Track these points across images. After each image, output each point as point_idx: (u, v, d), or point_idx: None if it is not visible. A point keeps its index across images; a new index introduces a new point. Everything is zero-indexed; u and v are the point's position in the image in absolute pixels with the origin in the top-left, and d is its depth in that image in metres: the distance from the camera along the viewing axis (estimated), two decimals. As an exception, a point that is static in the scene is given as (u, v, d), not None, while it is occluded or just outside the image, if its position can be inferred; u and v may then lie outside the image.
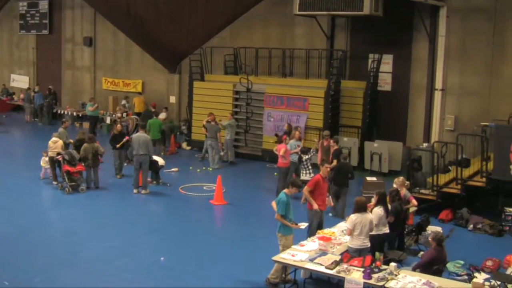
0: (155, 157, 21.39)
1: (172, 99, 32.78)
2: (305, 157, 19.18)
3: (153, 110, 29.55)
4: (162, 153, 25.55)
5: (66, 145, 21.86)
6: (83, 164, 20.55)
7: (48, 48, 39.58)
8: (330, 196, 15.85)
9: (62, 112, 36.14)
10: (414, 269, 12.15)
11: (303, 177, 19.04)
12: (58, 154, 20.57)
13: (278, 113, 25.46)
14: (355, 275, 11.25)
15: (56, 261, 14.15)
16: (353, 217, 12.48)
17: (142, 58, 33.78)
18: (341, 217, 16.93)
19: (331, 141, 20.36)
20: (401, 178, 15.32)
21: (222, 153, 25.22)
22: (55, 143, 20.93)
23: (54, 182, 21.03)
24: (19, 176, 22.43)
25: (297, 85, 25.78)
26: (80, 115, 34.11)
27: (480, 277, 13.00)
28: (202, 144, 25.75)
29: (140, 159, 20.23)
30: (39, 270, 13.56)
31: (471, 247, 15.87)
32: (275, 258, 12.24)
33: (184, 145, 29.03)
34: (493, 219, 17.42)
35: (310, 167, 19.41)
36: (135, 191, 20.35)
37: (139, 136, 20.67)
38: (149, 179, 21.06)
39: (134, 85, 34.49)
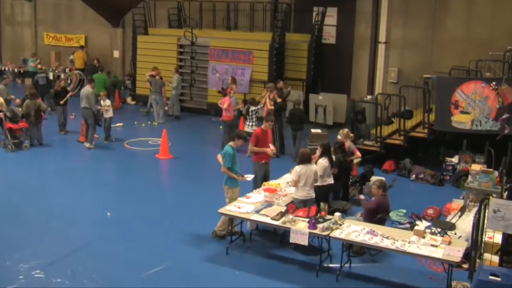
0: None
1: (116, 54, 32.33)
2: (252, 108, 19.16)
3: (97, 64, 29.12)
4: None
5: (7, 102, 21.46)
6: (25, 121, 20.22)
7: (-15, 3, 38.54)
8: (271, 145, 15.87)
9: (2, 68, 35.39)
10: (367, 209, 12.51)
11: (246, 129, 19.02)
12: (0, 111, 20.18)
13: (223, 67, 25.37)
14: (301, 225, 11.41)
15: (-1, 219, 14.02)
16: (297, 168, 12.58)
17: (84, 12, 33.09)
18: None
19: (275, 94, 20.42)
20: (346, 130, 15.48)
21: (166, 108, 25.07)
22: None
23: None
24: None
25: (242, 38, 25.69)
26: (22, 71, 33.42)
27: (421, 225, 13.34)
28: (147, 99, 25.54)
29: (82, 112, 20.24)
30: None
31: (413, 197, 16.20)
32: (221, 210, 12.31)
33: (128, 100, 28.80)
34: (434, 169, 17.85)
35: (254, 119, 19.42)
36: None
37: (83, 89, 20.71)
38: (96, 136, 20.83)
39: (77, 40, 33.88)
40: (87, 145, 20.18)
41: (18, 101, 21.62)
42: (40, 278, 11.19)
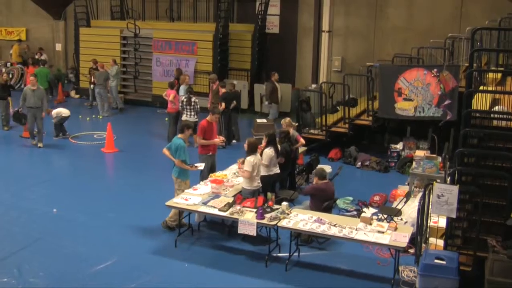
0: (61, 109, 20.78)
1: (58, 47, 31.90)
2: (193, 98, 19.06)
3: (41, 58, 28.67)
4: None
5: None
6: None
7: None
8: (219, 136, 15.90)
9: None
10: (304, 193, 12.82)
11: (187, 118, 18.80)
12: None
13: (167, 58, 25.25)
14: (248, 216, 11.43)
15: None
16: (250, 159, 12.58)
17: (23, 4, 32.53)
18: (237, 140, 19.25)
19: (219, 85, 20.46)
20: (288, 119, 15.51)
21: (111, 101, 24.80)
22: None
23: None
24: None
25: (185, 29, 25.62)
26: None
27: (368, 212, 13.52)
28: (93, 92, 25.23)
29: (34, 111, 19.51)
30: None
31: (359, 184, 16.43)
32: (169, 203, 12.25)
33: (72, 93, 28.42)
34: (380, 156, 18.10)
35: (197, 109, 19.20)
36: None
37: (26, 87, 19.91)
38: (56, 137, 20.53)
39: (18, 33, 33.28)
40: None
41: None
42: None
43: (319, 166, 15.95)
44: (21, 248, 12.16)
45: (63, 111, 20.60)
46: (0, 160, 18.44)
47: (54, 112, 20.31)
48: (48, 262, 11.52)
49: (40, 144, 19.42)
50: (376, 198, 14.68)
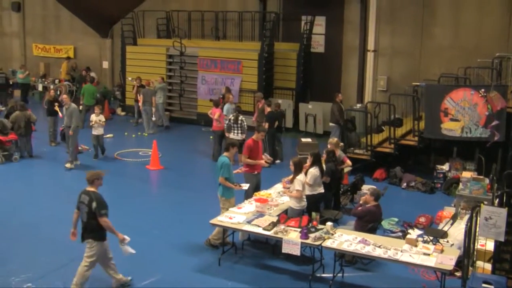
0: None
1: (105, 64, 32.35)
2: (241, 116, 19.14)
3: (90, 75, 29.12)
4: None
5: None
6: (15, 132, 20.14)
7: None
8: (265, 154, 15.94)
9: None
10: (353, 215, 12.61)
11: (233, 136, 18.87)
12: (-12, 123, 20.13)
13: (212, 76, 25.39)
14: (292, 235, 11.38)
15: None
16: (300, 178, 12.60)
17: (72, 22, 33.06)
18: (281, 160, 19.36)
19: (264, 103, 20.52)
20: (335, 139, 15.53)
21: (154, 118, 24.94)
22: None
23: None
24: None
25: (231, 48, 25.75)
26: (11, 82, 33.23)
27: (413, 233, 13.36)
28: (138, 110, 25.51)
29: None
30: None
31: (404, 205, 16.23)
32: (213, 221, 12.27)
33: (118, 110, 28.75)
34: (425, 176, 17.90)
35: (244, 127, 19.27)
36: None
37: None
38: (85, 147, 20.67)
39: (66, 51, 33.81)
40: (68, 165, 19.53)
41: (2, 108, 21.52)
42: (31, 291, 11.14)
43: (364, 186, 15.92)
44: (66, 262, 12.28)
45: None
46: (47, 176, 18.71)
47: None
48: (94, 276, 11.59)
49: (67, 165, 19.22)
50: (422, 219, 14.51)
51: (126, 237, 10.96)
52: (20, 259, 12.46)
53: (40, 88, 32.48)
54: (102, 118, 20.28)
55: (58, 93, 26.87)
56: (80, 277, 10.78)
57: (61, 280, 11.47)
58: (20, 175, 18.75)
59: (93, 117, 20.20)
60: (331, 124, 21.61)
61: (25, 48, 36.11)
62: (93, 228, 10.61)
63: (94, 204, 10.62)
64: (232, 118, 19.07)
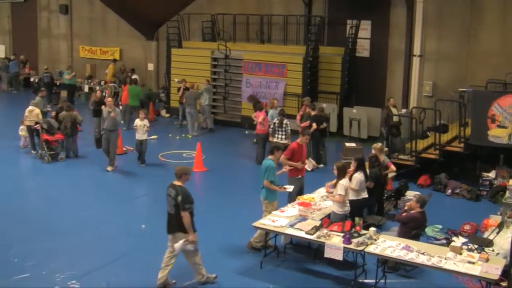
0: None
1: (150, 67, 32.57)
2: (285, 120, 19.14)
3: (134, 77, 29.40)
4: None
5: (43, 114, 21.76)
6: (61, 132, 20.44)
7: (23, 16, 39.01)
8: (310, 158, 15.94)
9: (37, 81, 35.78)
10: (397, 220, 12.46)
11: (277, 140, 18.86)
12: (36, 123, 20.47)
13: (257, 80, 25.41)
14: (335, 240, 11.33)
15: (33, 230, 14.16)
16: (343, 182, 12.56)
17: (118, 25, 33.40)
18: (324, 164, 19.17)
19: (308, 107, 20.50)
20: (380, 144, 15.41)
21: (201, 120, 25.12)
22: (31, 112, 20.78)
23: (33, 151, 20.93)
24: (-4, 146, 22.28)
25: (275, 52, 25.75)
26: (58, 83, 33.72)
27: (458, 241, 13.15)
28: (183, 112, 25.71)
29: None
30: (16, 240, 13.55)
31: (449, 212, 16.02)
32: (256, 224, 12.29)
33: (163, 112, 28.96)
34: (471, 184, 17.63)
35: (289, 131, 19.25)
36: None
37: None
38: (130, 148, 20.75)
39: (112, 53, 34.17)
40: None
41: (54, 113, 21.84)
42: (75, 288, 11.33)
43: (408, 192, 15.78)
44: (110, 261, 12.46)
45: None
46: (92, 176, 18.90)
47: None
48: (136, 276, 11.74)
49: (109, 168, 19.33)
50: (467, 227, 14.31)
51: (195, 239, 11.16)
52: (64, 257, 12.65)
53: (86, 89, 32.93)
54: (146, 123, 20.05)
55: (104, 94, 27.15)
56: (194, 265, 11.40)
57: (104, 279, 11.63)
58: (65, 175, 19.01)
59: (137, 121, 20.07)
60: (382, 128, 21.51)
61: (72, 50, 36.57)
62: (180, 221, 10.92)
63: (179, 198, 10.95)
64: (277, 122, 19.08)
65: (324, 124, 19.96)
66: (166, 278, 11.34)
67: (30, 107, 21.00)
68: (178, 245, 10.98)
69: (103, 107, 20.38)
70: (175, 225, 11.03)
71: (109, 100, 19.64)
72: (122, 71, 31.88)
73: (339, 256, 11.16)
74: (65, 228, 14.34)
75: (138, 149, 20.12)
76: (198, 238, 11.10)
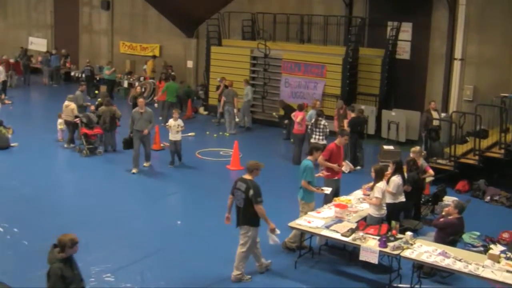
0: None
1: (189, 64, 32.70)
2: (323, 121, 19.08)
3: (171, 72, 29.56)
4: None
5: (83, 108, 22.02)
6: (100, 127, 20.65)
7: (65, 11, 39.48)
8: (347, 161, 15.88)
9: (79, 75, 36.22)
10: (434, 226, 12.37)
11: (314, 141, 18.78)
12: (76, 117, 20.73)
13: (295, 80, 25.36)
14: (371, 243, 11.27)
15: (71, 222, 14.30)
16: (381, 185, 12.47)
17: (159, 22, 33.60)
18: (362, 166, 19.10)
19: (347, 109, 20.44)
20: (418, 147, 15.29)
21: (238, 119, 25.18)
22: (67, 107, 21.04)
23: (66, 145, 21.24)
24: (37, 139, 22.58)
25: (315, 52, 25.68)
26: (98, 78, 34.02)
27: (496, 249, 12.92)
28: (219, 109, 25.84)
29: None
30: (55, 231, 13.68)
31: (487, 219, 15.79)
32: (291, 224, 12.29)
33: (201, 110, 29.07)
34: (510, 191, 17.35)
35: (326, 132, 19.17)
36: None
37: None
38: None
39: (152, 49, 34.35)
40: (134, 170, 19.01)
41: (92, 107, 22.06)
42: (110, 281, 11.49)
43: (446, 197, 15.62)
44: (144, 256, 12.58)
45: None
46: (129, 171, 18.94)
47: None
48: (170, 272, 11.81)
49: (146, 164, 19.30)
50: (505, 235, 14.10)
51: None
52: (99, 250, 12.81)
53: (125, 84, 33.18)
54: (180, 123, 19.55)
55: (143, 90, 27.37)
56: (240, 260, 11.64)
57: (138, 273, 11.74)
58: (102, 169, 19.19)
59: (171, 121, 19.60)
60: (421, 132, 21.33)
61: (112, 46, 36.90)
62: (249, 215, 11.26)
63: (251, 192, 11.25)
64: (313, 122, 19.04)
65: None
66: (262, 263, 11.89)
67: (66, 102, 21.28)
68: (272, 237, 11.51)
69: (137, 108, 20.06)
70: (243, 218, 11.43)
71: (140, 100, 19.18)
72: (165, 67, 31.96)
73: (374, 260, 11.10)
74: (100, 222, 14.55)
75: (172, 149, 19.60)
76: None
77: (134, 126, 18.76)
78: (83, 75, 33.50)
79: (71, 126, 21.15)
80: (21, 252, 12.66)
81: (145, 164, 19.32)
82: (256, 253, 11.86)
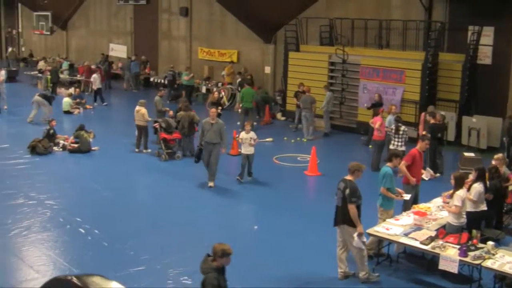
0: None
1: (267, 70, 32.85)
2: (403, 127, 18.89)
3: (248, 77, 29.78)
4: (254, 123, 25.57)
5: (162, 113, 22.42)
6: (179, 132, 20.97)
7: (145, 18, 40.27)
8: (428, 168, 15.68)
9: (158, 81, 36.87)
10: None
11: (393, 147, 18.63)
12: (155, 121, 21.12)
13: (374, 85, 25.17)
14: (450, 252, 11.08)
15: (148, 224, 14.71)
16: (460, 193, 12.26)
17: (237, 28, 33.91)
18: (441, 173, 18.70)
19: (427, 115, 20.17)
20: (501, 155, 14.98)
21: (315, 125, 25.21)
22: (138, 112, 21.47)
23: (136, 150, 21.75)
24: (117, 143, 23.13)
25: (394, 57, 25.42)
26: (177, 83, 34.49)
27: None
28: (299, 115, 25.87)
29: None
30: (132, 233, 14.07)
31: None
32: (369, 231, 12.19)
33: (278, 115, 29.17)
34: None
35: (406, 139, 18.98)
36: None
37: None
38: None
39: (229, 55, 34.66)
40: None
41: (171, 112, 22.41)
42: (187, 284, 11.62)
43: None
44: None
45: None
46: (205, 177, 19.11)
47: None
48: (246, 277, 11.79)
49: (210, 183, 17.89)
50: None
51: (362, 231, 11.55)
52: (176, 253, 13.06)
53: (203, 90, 33.57)
54: (253, 135, 18.48)
55: (221, 96, 27.64)
56: (360, 261, 11.71)
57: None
58: (182, 173, 19.41)
59: (242, 134, 18.50)
60: (504, 139, 20.90)
61: (190, 52, 37.43)
62: (345, 214, 11.43)
63: (347, 191, 11.52)
64: (394, 128, 18.86)
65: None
66: (345, 270, 11.85)
67: (137, 107, 21.71)
68: (356, 241, 11.43)
69: (207, 119, 18.30)
70: (341, 218, 11.59)
71: (212, 111, 18.02)
72: (243, 73, 32.18)
73: (454, 269, 10.91)
74: (177, 225, 14.82)
75: (243, 162, 18.53)
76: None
77: (204, 137, 17.69)
78: (166, 80, 34.18)
79: (142, 130, 21.55)
80: (101, 253, 12.97)
81: (209, 184, 17.91)
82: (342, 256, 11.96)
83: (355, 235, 11.43)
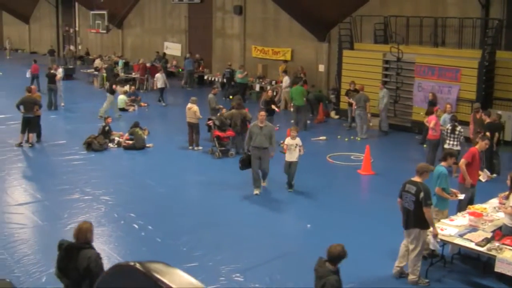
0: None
1: (321, 68, 32.77)
2: (459, 127, 18.65)
3: (299, 76, 29.74)
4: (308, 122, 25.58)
5: (215, 111, 22.55)
6: (232, 129, 21.09)
7: (199, 17, 40.54)
8: (485, 169, 15.46)
9: (212, 79, 37.10)
10: None
11: (448, 146, 18.39)
12: (209, 119, 21.29)
13: (429, 84, 24.87)
14: (507, 254, 10.87)
15: (200, 221, 14.84)
16: (518, 194, 12.09)
17: (290, 26, 33.89)
18: (498, 174, 18.39)
19: (483, 114, 19.84)
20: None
21: (371, 124, 25.04)
22: (190, 109, 21.59)
23: (189, 147, 21.90)
24: (171, 140, 23.42)
25: (449, 55, 25.02)
26: (232, 83, 34.63)
27: None
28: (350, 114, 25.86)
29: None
30: (185, 230, 14.20)
31: None
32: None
33: (332, 114, 29.08)
34: None
35: (461, 139, 18.75)
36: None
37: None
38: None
39: (283, 53, 34.67)
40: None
41: (224, 110, 22.53)
42: (239, 281, 11.66)
43: None
44: (273, 258, 12.71)
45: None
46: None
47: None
48: (299, 276, 11.75)
49: (256, 191, 17.10)
50: None
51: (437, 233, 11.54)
52: (228, 250, 13.12)
53: (257, 88, 33.64)
54: (299, 142, 17.05)
55: (275, 94, 27.67)
56: (413, 264, 11.63)
57: (267, 275, 11.84)
58: (233, 171, 19.36)
59: (288, 140, 17.11)
60: None
61: (244, 50, 37.56)
62: (420, 217, 11.32)
63: (421, 194, 11.24)
64: (450, 127, 18.63)
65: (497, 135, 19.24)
66: (401, 268, 11.87)
67: (189, 104, 21.87)
68: (432, 243, 11.49)
69: (256, 122, 17.52)
70: (413, 221, 11.44)
71: (261, 114, 17.11)
72: (298, 72, 32.11)
73: (510, 272, 10.71)
74: (229, 222, 14.90)
75: (286, 171, 17.38)
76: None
77: (252, 142, 16.87)
78: (224, 77, 34.43)
79: (193, 128, 21.71)
80: (154, 249, 13.07)
81: (255, 192, 17.11)
82: (402, 257, 11.94)
83: (430, 237, 11.41)
